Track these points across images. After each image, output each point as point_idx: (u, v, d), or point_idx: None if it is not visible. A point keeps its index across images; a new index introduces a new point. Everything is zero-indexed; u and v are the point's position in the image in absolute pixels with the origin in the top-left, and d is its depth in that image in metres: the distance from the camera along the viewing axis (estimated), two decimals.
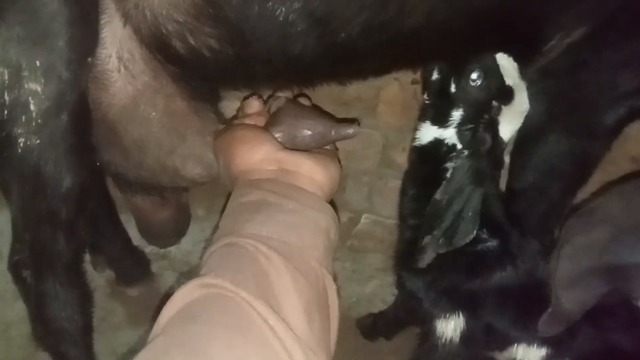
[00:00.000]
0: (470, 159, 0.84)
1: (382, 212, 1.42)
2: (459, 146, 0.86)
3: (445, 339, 0.92)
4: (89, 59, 0.69)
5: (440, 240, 0.82)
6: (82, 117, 0.71)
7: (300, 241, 0.62)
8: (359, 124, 0.79)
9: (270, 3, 0.65)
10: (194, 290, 0.54)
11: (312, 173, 0.70)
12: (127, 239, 1.36)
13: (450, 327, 0.91)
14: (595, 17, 0.76)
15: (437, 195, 0.82)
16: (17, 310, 1.27)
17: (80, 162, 0.73)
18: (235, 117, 0.87)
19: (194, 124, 0.84)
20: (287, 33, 0.68)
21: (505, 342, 0.91)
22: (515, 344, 0.90)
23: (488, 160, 0.85)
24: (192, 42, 0.70)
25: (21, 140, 0.67)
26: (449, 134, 0.87)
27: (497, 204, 0.89)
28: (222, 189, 1.06)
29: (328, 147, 0.82)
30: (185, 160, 0.87)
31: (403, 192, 1.00)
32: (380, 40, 0.73)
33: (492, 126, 0.85)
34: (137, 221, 1.19)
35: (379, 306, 1.41)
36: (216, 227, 0.67)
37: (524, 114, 0.86)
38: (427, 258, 0.84)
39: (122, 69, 0.74)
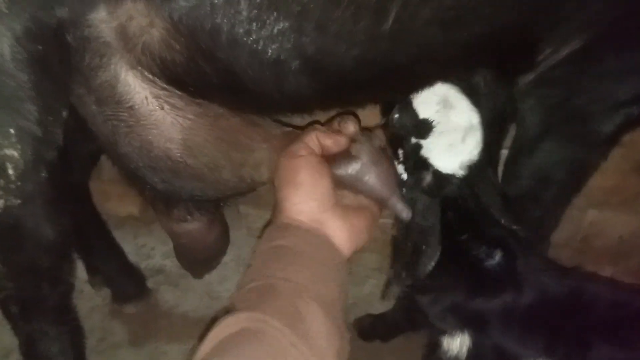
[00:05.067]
0: (411, 194, 0.80)
1: None
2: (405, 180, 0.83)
3: (451, 356, 0.88)
4: (64, 112, 0.66)
5: (403, 273, 0.80)
6: (60, 169, 0.69)
7: (330, 294, 0.65)
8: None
9: (260, 44, 0.62)
10: (241, 322, 0.57)
11: (343, 245, 0.72)
12: (122, 257, 1.32)
13: (456, 344, 0.87)
14: (593, 29, 0.72)
15: (394, 232, 0.82)
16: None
17: (60, 212, 0.72)
18: (330, 122, 0.83)
19: (255, 134, 0.82)
20: (279, 71, 0.66)
21: None
22: None
23: (433, 194, 0.80)
24: (199, 81, 0.68)
25: (0, 201, 0.65)
26: (400, 170, 0.83)
27: (498, 224, 0.83)
28: None
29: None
30: (258, 168, 0.84)
31: None
32: (373, 73, 0.70)
33: (423, 162, 0.79)
34: (185, 251, 1.10)
35: (376, 306, 1.37)
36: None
37: (471, 135, 0.79)
38: (392, 291, 0.85)
39: (165, 106, 0.72)
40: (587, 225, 1.33)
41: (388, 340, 1.27)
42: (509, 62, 0.78)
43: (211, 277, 1.42)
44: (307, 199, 0.71)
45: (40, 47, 0.58)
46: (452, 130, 0.78)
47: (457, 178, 0.79)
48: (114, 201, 1.43)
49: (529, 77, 0.80)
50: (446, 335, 0.89)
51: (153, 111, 0.72)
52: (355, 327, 1.31)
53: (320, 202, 0.71)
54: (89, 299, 1.35)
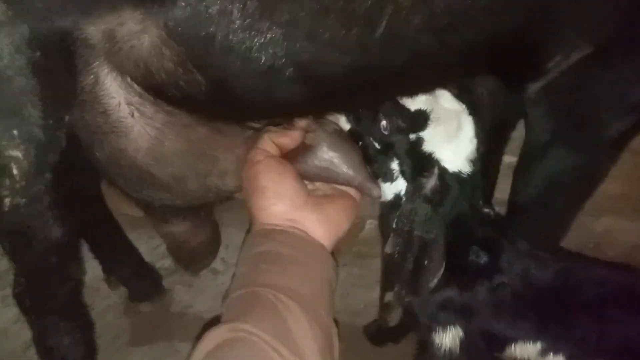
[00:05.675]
0: (411, 204, 0.76)
1: None
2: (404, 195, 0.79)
3: (445, 350, 0.88)
4: (66, 117, 0.68)
5: (403, 292, 0.77)
6: (65, 171, 0.71)
7: (311, 292, 0.66)
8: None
9: (253, 52, 0.63)
10: (223, 334, 0.59)
11: (322, 238, 0.72)
12: (137, 258, 1.34)
13: (449, 338, 0.87)
14: (601, 34, 0.71)
15: (387, 249, 0.77)
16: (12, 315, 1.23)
17: (66, 212, 0.73)
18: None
19: (220, 143, 0.83)
20: (271, 79, 0.66)
21: (503, 344, 0.88)
22: (512, 344, 0.87)
23: (436, 201, 0.76)
24: (185, 88, 0.69)
25: (7, 200, 0.67)
26: (401, 186, 0.81)
27: (478, 225, 0.83)
28: (227, 205, 1.05)
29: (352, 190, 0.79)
30: (224, 178, 0.85)
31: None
32: (366, 79, 0.70)
33: (426, 160, 0.77)
34: (175, 251, 1.13)
35: None
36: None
37: (465, 121, 0.77)
38: (395, 315, 0.80)
39: (136, 113, 0.73)
40: (599, 233, 1.31)
41: (398, 341, 1.27)
42: (514, 69, 0.77)
43: (224, 277, 1.43)
44: (274, 202, 0.71)
45: (40, 54, 0.59)
46: (446, 115, 0.76)
47: (462, 177, 0.77)
48: (129, 203, 1.45)
49: (538, 85, 0.79)
50: (437, 331, 0.89)
51: (123, 118, 0.73)
52: (365, 332, 1.32)
53: (290, 201, 0.72)
54: (105, 297, 1.37)
